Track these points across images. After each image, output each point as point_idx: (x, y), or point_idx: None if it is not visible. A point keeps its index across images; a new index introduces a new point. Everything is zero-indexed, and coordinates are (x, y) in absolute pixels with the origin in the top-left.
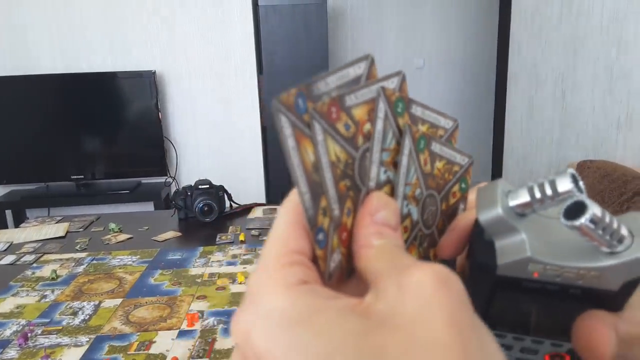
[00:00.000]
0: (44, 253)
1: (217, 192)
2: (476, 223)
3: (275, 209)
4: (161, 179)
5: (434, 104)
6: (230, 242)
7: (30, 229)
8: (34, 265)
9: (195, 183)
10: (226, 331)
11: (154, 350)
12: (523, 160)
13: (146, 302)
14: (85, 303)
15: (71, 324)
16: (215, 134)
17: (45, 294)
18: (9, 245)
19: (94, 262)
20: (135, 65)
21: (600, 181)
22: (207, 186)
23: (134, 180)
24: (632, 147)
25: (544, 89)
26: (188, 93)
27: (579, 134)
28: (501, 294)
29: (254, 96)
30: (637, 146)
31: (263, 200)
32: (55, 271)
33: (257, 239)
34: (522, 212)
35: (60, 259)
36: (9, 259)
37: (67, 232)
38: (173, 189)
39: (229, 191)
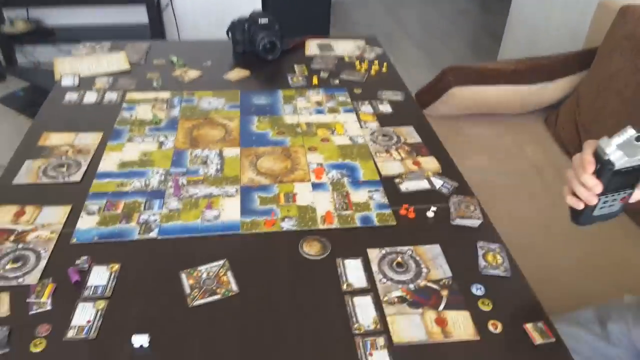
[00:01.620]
0: (124, 90)
1: (275, 27)
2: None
3: (329, 44)
4: None
5: None
6: (304, 86)
7: (87, 58)
8: (125, 106)
9: (250, 16)
10: (353, 184)
11: (299, 202)
12: None
13: (264, 153)
14: (207, 152)
15: (209, 174)
16: None
17: (160, 140)
18: (79, 81)
19: (184, 104)
20: None
21: None
22: (267, 21)
23: None
24: None
25: None
26: None
27: None
28: (613, 178)
29: None
30: None
31: None
32: (156, 115)
33: (328, 82)
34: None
35: (147, 99)
36: (91, 97)
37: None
38: None
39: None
